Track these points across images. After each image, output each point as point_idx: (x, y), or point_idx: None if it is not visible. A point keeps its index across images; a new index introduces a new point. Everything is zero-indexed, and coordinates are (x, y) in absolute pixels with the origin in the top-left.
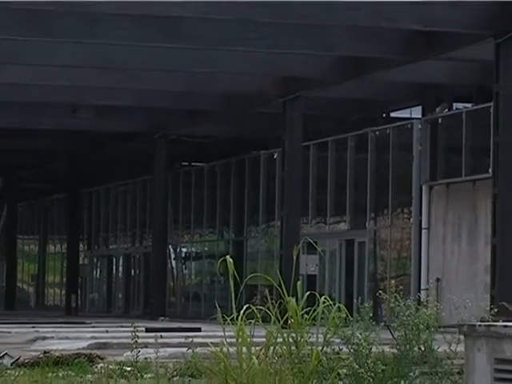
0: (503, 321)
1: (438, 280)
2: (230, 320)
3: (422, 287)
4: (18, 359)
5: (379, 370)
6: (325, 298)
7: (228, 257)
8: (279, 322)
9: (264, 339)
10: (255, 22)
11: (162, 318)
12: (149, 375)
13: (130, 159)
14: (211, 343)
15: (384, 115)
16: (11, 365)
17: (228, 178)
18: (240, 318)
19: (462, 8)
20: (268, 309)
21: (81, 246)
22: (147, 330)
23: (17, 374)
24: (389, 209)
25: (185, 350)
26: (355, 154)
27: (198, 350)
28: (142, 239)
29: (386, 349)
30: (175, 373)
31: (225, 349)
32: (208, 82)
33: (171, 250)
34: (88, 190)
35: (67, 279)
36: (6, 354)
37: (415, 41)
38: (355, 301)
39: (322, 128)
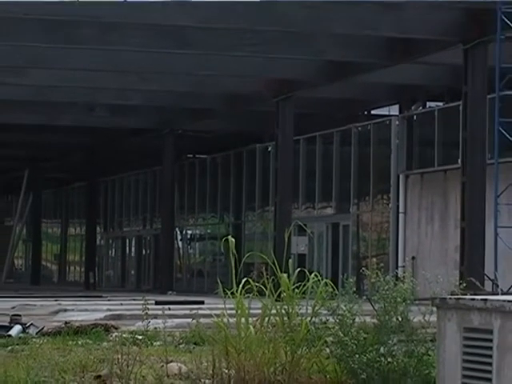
0: (471, 294)
1: (413, 258)
2: (230, 294)
3: (399, 264)
4: (42, 329)
5: (361, 338)
6: (314, 275)
7: (230, 237)
8: (273, 295)
9: (260, 311)
10: (252, 30)
11: (170, 292)
12: (158, 343)
13: (140, 152)
14: (213, 314)
15: (366, 113)
16: (36, 334)
17: (228, 169)
18: (239, 292)
19: (434, 17)
20: (263, 284)
21: (98, 228)
22: (156, 303)
23: (41, 342)
24: (370, 195)
25: (190, 320)
26: (340, 147)
27: (202, 320)
28: (152, 222)
29: (368, 319)
30: (181, 341)
31: (225, 319)
32: (210, 84)
33: (178, 232)
34: (104, 179)
35: (86, 258)
36: (31, 324)
37: (393, 47)
38: (340, 277)
39: (310, 124)
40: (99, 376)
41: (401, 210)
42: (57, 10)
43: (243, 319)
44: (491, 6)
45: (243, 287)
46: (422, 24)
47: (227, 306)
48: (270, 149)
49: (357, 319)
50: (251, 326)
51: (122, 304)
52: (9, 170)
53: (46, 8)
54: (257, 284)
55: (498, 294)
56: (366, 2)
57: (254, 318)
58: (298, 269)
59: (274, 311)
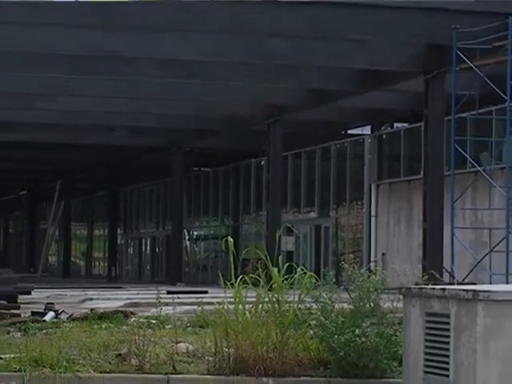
0: (431, 284)
1: (383, 254)
2: (230, 285)
3: (372, 260)
4: (71, 315)
5: (340, 322)
6: (300, 269)
7: (229, 237)
8: (266, 286)
9: (254, 299)
10: (247, 63)
11: (179, 283)
12: (169, 326)
13: (154, 166)
14: (215, 302)
15: (343, 132)
16: (67, 319)
17: (227, 180)
18: (237, 283)
19: (400, 52)
20: (258, 276)
21: (118, 230)
22: (168, 293)
23: (71, 326)
24: (347, 202)
25: (196, 307)
26: (321, 162)
27: (206, 307)
28: (164, 225)
29: (345, 306)
30: (188, 324)
31: (225, 306)
32: (212, 108)
33: (185, 233)
34: (123, 189)
35: (108, 255)
36: (63, 311)
37: (365, 77)
38: (322, 270)
39: (296, 142)
40: (120, 354)
41: (372, 213)
42: (81, 46)
43: (240, 306)
44: (448, 43)
45: (241, 279)
46: (389, 58)
47: (227, 294)
48: (262, 163)
49: (336, 306)
50: (247, 312)
51: (138, 293)
52: (44, 181)
53: (73, 44)
54: (252, 276)
55: (454, 284)
56: (343, 39)
57: (250, 305)
58: (287, 264)
59: (266, 299)
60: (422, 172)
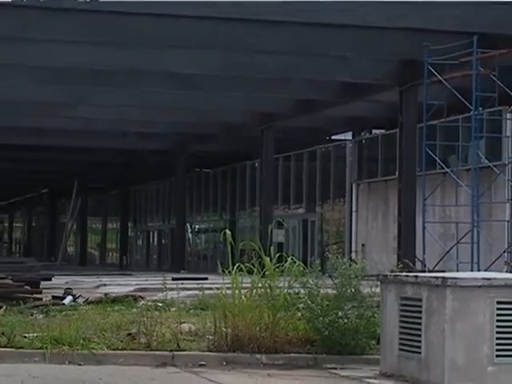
0: (405, 272)
1: (363, 245)
2: (227, 272)
3: (353, 250)
4: (87, 299)
5: (324, 305)
6: (290, 258)
7: (227, 230)
8: (259, 273)
9: (249, 285)
10: (242, 76)
11: (182, 271)
12: (173, 309)
13: (160, 167)
14: (215, 287)
15: (327, 138)
16: (83, 302)
17: (225, 179)
18: (234, 270)
19: (378, 67)
20: (252, 264)
21: (129, 224)
22: (173, 279)
23: (87, 308)
24: (331, 199)
25: (197, 292)
26: (308, 163)
27: (206, 292)
28: (169, 219)
29: (329, 291)
30: (191, 307)
31: (224, 291)
32: (212, 116)
33: (188, 227)
34: (133, 188)
35: (120, 246)
36: (80, 295)
37: (347, 89)
38: (309, 259)
39: (286, 146)
40: (130, 333)
41: (353, 209)
42: (98, 61)
43: (237, 291)
44: (420, 59)
45: (237, 267)
46: (368, 72)
47: (225, 281)
48: (256, 165)
49: (321, 291)
50: (243, 296)
51: (146, 280)
52: (63, 180)
53: (90, 60)
54: (247, 265)
55: (425, 272)
56: (326, 56)
57: (245, 290)
58: (278, 254)
59: (260, 285)
60: (397, 173)
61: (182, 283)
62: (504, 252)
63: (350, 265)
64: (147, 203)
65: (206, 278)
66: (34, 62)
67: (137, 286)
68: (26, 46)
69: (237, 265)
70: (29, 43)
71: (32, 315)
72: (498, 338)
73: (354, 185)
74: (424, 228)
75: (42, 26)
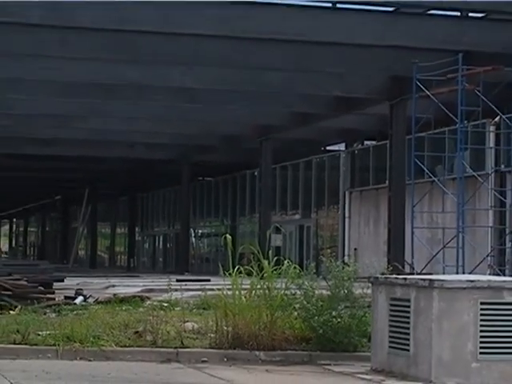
0: (395, 274)
1: (355, 249)
2: (228, 274)
3: (346, 254)
4: (97, 299)
5: (319, 305)
6: (286, 261)
7: (228, 235)
8: (258, 275)
9: (249, 286)
10: (242, 91)
11: (186, 273)
12: (178, 308)
13: (166, 175)
14: (216, 288)
15: (322, 148)
16: (93, 302)
17: (226, 187)
18: (234, 273)
19: (369, 82)
20: (251, 267)
21: (136, 228)
22: (177, 281)
23: (96, 308)
24: (325, 205)
25: (200, 292)
26: (304, 172)
27: (208, 292)
28: (174, 224)
29: (324, 292)
30: (194, 307)
31: (225, 292)
32: (214, 128)
33: (192, 231)
34: (140, 195)
35: (128, 249)
36: (90, 295)
37: (340, 103)
38: (305, 262)
39: (284, 156)
40: (137, 331)
41: (346, 215)
42: (107, 76)
43: (237, 292)
44: (409, 75)
45: (237, 269)
46: (360, 87)
47: (226, 282)
48: (255, 174)
49: (316, 292)
50: (243, 297)
51: (153, 281)
52: (75, 188)
53: (100, 75)
54: (247, 267)
55: (413, 275)
56: (321, 72)
57: (245, 291)
58: (275, 257)
59: (258, 286)
60: (387, 181)
61: (186, 284)
62: (487, 256)
63: (343, 267)
64: (153, 209)
65: (209, 280)
66: (49, 77)
67: (143, 287)
68: (41, 62)
69: (237, 267)
70: (44, 60)
71: (45, 314)
72: (481, 336)
73: (346, 192)
74: (412, 233)
75: (57, 43)
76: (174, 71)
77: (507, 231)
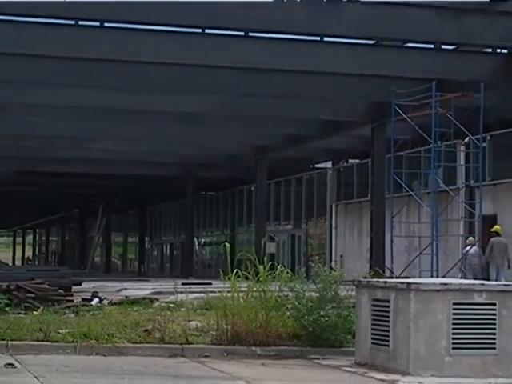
0: (376, 278)
1: (341, 256)
2: (228, 278)
3: (333, 260)
4: (111, 300)
5: (309, 305)
6: (280, 266)
7: (227, 243)
8: (254, 279)
9: (246, 289)
10: (239, 115)
11: (190, 277)
12: (183, 309)
13: (172, 190)
14: (217, 291)
15: (311, 166)
16: (107, 304)
17: (226, 201)
18: (233, 277)
19: (353, 107)
20: (248, 272)
21: (146, 238)
22: (182, 284)
23: (110, 308)
24: (314, 217)
25: (203, 295)
26: (296, 188)
27: (210, 295)
28: (180, 234)
29: (313, 294)
30: (197, 307)
31: (224, 294)
32: (215, 148)
33: (195, 240)
34: (149, 208)
35: (139, 256)
36: (105, 297)
37: (328, 125)
38: (296, 268)
39: (277, 173)
40: (146, 329)
41: (333, 226)
42: (117, 103)
43: (236, 294)
44: (388, 100)
45: (236, 274)
46: (345, 111)
47: (226, 285)
48: (252, 189)
49: (306, 294)
50: (241, 298)
51: (161, 285)
52: (91, 202)
53: (111, 101)
54: (244, 272)
55: (393, 278)
56: (310, 98)
57: (242, 293)
58: (270, 263)
59: (254, 289)
60: (369, 195)
61: (190, 287)
62: (458, 261)
63: (330, 272)
64: (161, 221)
65: (210, 283)
66: (64, 103)
67: (152, 290)
68: (58, 89)
69: (235, 272)
70: (60, 88)
71: (65, 314)
72: (453, 334)
73: (333, 205)
74: (392, 241)
75: (71, 73)
76: (180, 98)
77: (476, 239)
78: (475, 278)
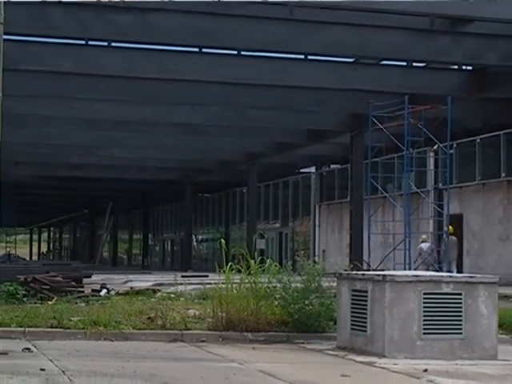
0: (355, 270)
1: (323, 251)
2: (223, 271)
3: (316, 254)
4: (118, 291)
5: (295, 295)
6: (269, 260)
7: (222, 240)
8: (246, 272)
9: (239, 280)
10: (234, 125)
11: (189, 270)
12: (182, 298)
13: (172, 193)
14: (213, 283)
15: (297, 171)
16: (115, 294)
17: (221, 202)
18: (227, 270)
19: (334, 118)
20: (241, 265)
21: (149, 235)
22: (182, 276)
23: (117, 298)
24: (300, 216)
25: (200, 286)
26: (283, 190)
27: (207, 286)
28: (180, 231)
29: (298, 285)
30: (195, 297)
31: (220, 285)
32: (211, 155)
33: (194, 237)
34: (153, 209)
35: (142, 251)
36: (112, 288)
37: (311, 134)
38: (284, 261)
39: (266, 177)
40: (149, 317)
41: (317, 224)
42: (123, 114)
43: (229, 285)
44: (366, 112)
45: (230, 267)
46: (327, 122)
47: (221, 278)
48: (244, 191)
49: (292, 285)
50: (234, 289)
51: (162, 277)
52: (99, 203)
53: (117, 113)
54: (237, 265)
55: (370, 271)
56: (296, 110)
57: (236, 285)
58: (260, 257)
59: (246, 281)
60: (349, 197)
61: (189, 279)
62: (428, 255)
63: (314, 265)
64: (163, 220)
65: (207, 276)
66: (76, 115)
67: (155, 282)
68: (70, 103)
69: (229, 265)
70: (72, 101)
71: (76, 304)
72: (424, 320)
73: (317, 206)
74: (369, 238)
75: (82, 88)
76: (180, 110)
77: (444, 236)
78: (427, 270)
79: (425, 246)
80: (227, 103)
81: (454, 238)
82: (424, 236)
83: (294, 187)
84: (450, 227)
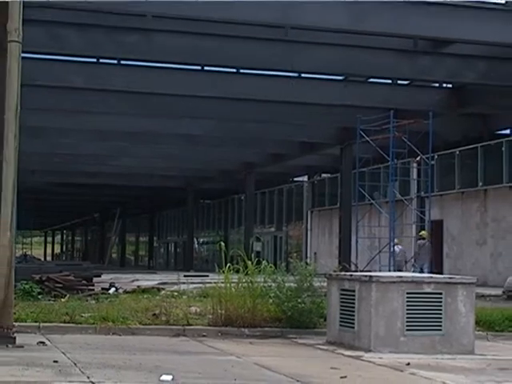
0: (344, 271)
1: (315, 253)
2: (222, 271)
3: (308, 256)
4: (125, 290)
5: (288, 294)
6: (264, 262)
7: (222, 242)
8: (243, 272)
9: (237, 280)
10: (231, 137)
11: (191, 270)
12: (184, 296)
13: (176, 199)
14: (213, 282)
15: (290, 179)
16: (122, 292)
17: (220, 208)
18: (226, 270)
19: (325, 131)
20: (239, 266)
21: (155, 238)
22: (184, 276)
23: (125, 296)
24: (293, 221)
25: (201, 285)
26: (278, 197)
27: (207, 285)
28: (182, 234)
29: (292, 284)
30: (197, 295)
31: (219, 284)
32: (211, 164)
33: (195, 240)
34: (158, 213)
35: (148, 253)
36: (120, 287)
37: (303, 146)
38: (278, 263)
39: (263, 185)
40: (154, 314)
41: (309, 228)
42: (131, 126)
43: (228, 284)
44: (354, 126)
45: (228, 268)
46: (318, 134)
47: (220, 277)
48: (242, 198)
49: (286, 284)
50: (232, 288)
51: (166, 277)
52: (109, 208)
53: (125, 125)
54: (235, 266)
55: (357, 272)
56: (289, 123)
57: (234, 284)
58: (256, 259)
59: (244, 280)
60: (338, 204)
61: (191, 279)
62: (411, 258)
63: (306, 267)
64: (167, 223)
65: (207, 276)
66: (89, 127)
67: (159, 281)
68: (83, 116)
69: (228, 266)
70: (86, 114)
71: (87, 301)
72: (407, 318)
73: (309, 212)
74: (357, 242)
75: (94, 102)
76: (183, 122)
77: (418, 241)
78: (399, 271)
79: (397, 249)
80: (227, 117)
81: (426, 242)
82: (396, 240)
83: (287, 194)
84: (425, 232)
